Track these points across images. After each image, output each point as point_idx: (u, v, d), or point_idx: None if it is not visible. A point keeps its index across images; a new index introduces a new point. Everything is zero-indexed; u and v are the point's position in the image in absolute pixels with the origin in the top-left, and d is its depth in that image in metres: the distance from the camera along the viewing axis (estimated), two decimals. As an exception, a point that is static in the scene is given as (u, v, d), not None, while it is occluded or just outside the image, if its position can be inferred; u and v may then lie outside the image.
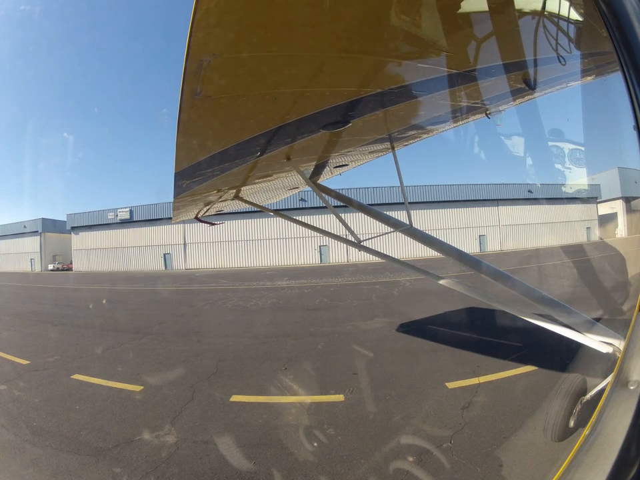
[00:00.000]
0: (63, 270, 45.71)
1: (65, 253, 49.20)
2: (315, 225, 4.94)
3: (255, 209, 5.75)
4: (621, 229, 38.32)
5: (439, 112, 2.67)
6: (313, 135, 2.32)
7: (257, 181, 3.73)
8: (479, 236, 40.06)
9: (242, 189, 4.03)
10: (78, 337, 8.31)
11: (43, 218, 50.65)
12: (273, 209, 5.68)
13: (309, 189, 4.10)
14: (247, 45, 1.21)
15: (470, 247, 37.07)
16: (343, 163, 4.06)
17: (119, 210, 43.24)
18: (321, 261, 38.46)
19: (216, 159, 2.23)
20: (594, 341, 2.86)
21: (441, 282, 4.05)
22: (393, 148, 3.55)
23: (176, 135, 1.66)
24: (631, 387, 0.95)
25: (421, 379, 4.68)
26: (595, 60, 2.14)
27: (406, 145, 3.70)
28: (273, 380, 4.91)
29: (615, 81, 2.04)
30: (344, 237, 4.58)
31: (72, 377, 5.49)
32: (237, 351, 6.60)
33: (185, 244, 41.29)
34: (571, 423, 2.87)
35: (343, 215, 3.85)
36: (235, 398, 4.43)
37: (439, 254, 3.76)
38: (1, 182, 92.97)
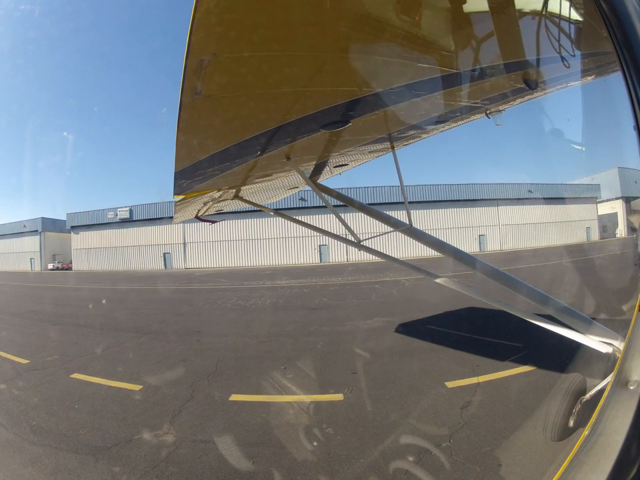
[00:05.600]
0: (62, 269, 45.72)
1: (64, 253, 49.17)
2: (315, 225, 4.93)
3: (255, 209, 5.75)
4: (621, 229, 38.41)
5: (439, 112, 2.67)
6: (313, 135, 2.32)
7: (257, 180, 3.73)
8: (479, 236, 40.06)
9: (242, 188, 4.03)
10: (77, 336, 8.31)
11: (42, 217, 50.62)
12: (273, 208, 5.68)
13: (309, 188, 4.10)
14: (248, 44, 1.21)
15: (470, 246, 37.06)
16: (343, 163, 4.06)
17: (118, 209, 43.21)
18: (320, 260, 38.45)
19: (216, 158, 2.23)
20: (594, 341, 2.85)
21: (441, 282, 4.04)
22: (393, 148, 3.55)
23: (176, 134, 1.66)
24: (631, 387, 0.96)
25: (420, 379, 4.67)
26: (595, 60, 2.13)
27: (406, 144, 3.70)
28: (272, 379, 4.91)
29: (615, 81, 2.04)
30: (344, 236, 4.58)
31: (71, 376, 5.49)
32: (237, 350, 6.59)
33: (184, 243, 41.27)
34: (571, 423, 2.88)
35: (343, 214, 3.85)
36: (234, 397, 4.43)
37: (438, 254, 3.76)
38: (1, 181, 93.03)
